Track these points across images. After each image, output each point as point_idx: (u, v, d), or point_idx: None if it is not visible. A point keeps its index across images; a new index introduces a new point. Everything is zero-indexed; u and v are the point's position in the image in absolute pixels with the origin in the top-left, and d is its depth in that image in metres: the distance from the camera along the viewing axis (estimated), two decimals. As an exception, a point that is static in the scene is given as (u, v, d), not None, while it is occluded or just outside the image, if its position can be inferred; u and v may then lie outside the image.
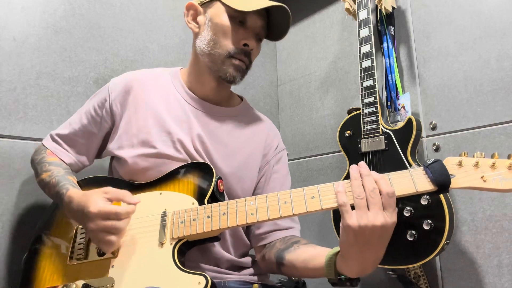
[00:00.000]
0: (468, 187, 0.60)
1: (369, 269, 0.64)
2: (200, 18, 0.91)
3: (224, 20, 0.86)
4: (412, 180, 0.63)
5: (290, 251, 0.83)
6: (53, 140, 0.95)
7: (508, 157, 0.59)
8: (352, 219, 0.61)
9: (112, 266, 0.75)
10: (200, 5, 0.91)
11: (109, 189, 0.76)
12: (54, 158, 0.92)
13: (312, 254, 0.76)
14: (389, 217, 0.61)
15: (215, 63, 0.88)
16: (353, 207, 0.62)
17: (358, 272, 0.65)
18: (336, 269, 0.68)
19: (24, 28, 1.08)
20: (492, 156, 0.60)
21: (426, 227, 1.07)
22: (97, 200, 0.73)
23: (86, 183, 0.89)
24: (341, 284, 0.68)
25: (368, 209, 0.61)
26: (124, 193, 0.75)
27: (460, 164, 0.62)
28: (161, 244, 0.74)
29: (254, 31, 0.89)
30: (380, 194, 0.61)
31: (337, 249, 0.69)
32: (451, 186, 0.61)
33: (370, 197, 0.61)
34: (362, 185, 0.63)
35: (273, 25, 0.91)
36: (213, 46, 0.87)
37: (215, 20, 0.87)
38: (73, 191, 0.80)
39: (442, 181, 0.60)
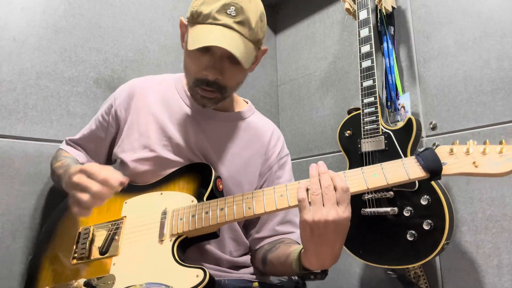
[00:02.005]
0: (460, 173, 0.62)
1: (327, 262, 0.67)
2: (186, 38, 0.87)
3: (186, 48, 0.82)
4: (404, 168, 0.65)
5: (272, 251, 0.87)
6: (68, 144, 1.02)
7: (500, 143, 0.61)
8: (308, 214, 0.64)
9: (114, 264, 0.76)
10: (187, 23, 0.86)
11: (108, 167, 0.74)
12: (70, 155, 0.98)
13: (286, 252, 0.80)
14: (342, 212, 0.63)
15: (188, 87, 0.89)
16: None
17: (318, 266, 0.68)
18: (300, 263, 0.71)
19: (24, 28, 1.08)
20: (484, 143, 0.62)
21: (426, 227, 1.07)
22: (94, 164, 0.73)
23: None
24: (306, 277, 0.71)
25: (323, 204, 0.63)
26: (117, 173, 0.73)
27: (451, 151, 0.64)
28: (161, 240, 0.75)
29: (223, 55, 0.79)
30: (335, 190, 0.64)
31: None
32: (443, 172, 0.63)
33: (325, 193, 0.64)
34: (319, 182, 0.65)
35: None
36: (186, 72, 0.87)
37: (185, 46, 0.84)
38: (80, 165, 0.81)
39: (433, 167, 0.62)
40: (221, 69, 0.80)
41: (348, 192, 0.64)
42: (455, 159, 0.63)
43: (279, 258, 0.82)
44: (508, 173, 0.59)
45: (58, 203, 0.96)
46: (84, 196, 0.69)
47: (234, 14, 0.76)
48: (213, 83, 0.81)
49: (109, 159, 1.02)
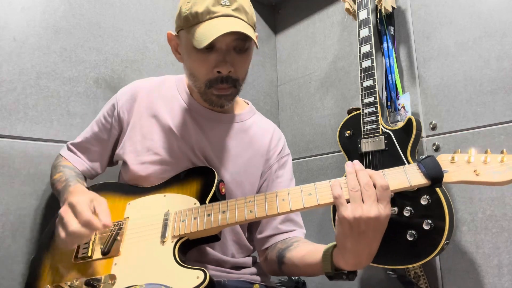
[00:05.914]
0: (461, 181, 0.63)
1: (364, 262, 0.65)
2: (180, 49, 0.89)
3: (190, 52, 0.82)
4: (406, 175, 0.65)
5: (290, 249, 0.84)
6: (68, 149, 1.01)
7: (501, 153, 0.62)
8: (347, 211, 0.62)
9: (115, 264, 0.76)
10: (177, 34, 0.88)
11: (102, 202, 0.75)
12: (68, 163, 0.97)
13: (310, 250, 0.78)
14: (383, 210, 0.62)
15: (200, 93, 0.87)
16: (348, 201, 0.64)
17: (354, 265, 0.66)
18: (332, 262, 0.69)
19: (24, 28, 1.08)
20: (485, 153, 0.63)
21: (426, 227, 1.07)
22: (85, 198, 0.74)
23: (96, 189, 0.91)
24: (338, 277, 0.69)
25: (363, 201, 0.62)
26: (105, 215, 0.73)
27: (453, 159, 0.64)
28: (163, 242, 0.76)
29: (229, 47, 0.81)
30: (375, 187, 0.63)
31: (334, 243, 0.70)
32: (444, 180, 0.63)
33: (365, 190, 0.63)
34: (357, 179, 0.64)
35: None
36: (193, 79, 0.86)
37: (185, 54, 0.85)
38: (80, 185, 0.84)
39: (435, 175, 0.63)
40: (231, 62, 0.81)
41: (389, 190, 0.63)
42: (456, 167, 0.63)
43: (302, 258, 0.79)
44: (509, 182, 0.59)
45: (58, 204, 0.95)
46: (61, 233, 0.70)
47: (228, 4, 0.78)
48: (227, 78, 0.82)
49: (111, 161, 1.02)
